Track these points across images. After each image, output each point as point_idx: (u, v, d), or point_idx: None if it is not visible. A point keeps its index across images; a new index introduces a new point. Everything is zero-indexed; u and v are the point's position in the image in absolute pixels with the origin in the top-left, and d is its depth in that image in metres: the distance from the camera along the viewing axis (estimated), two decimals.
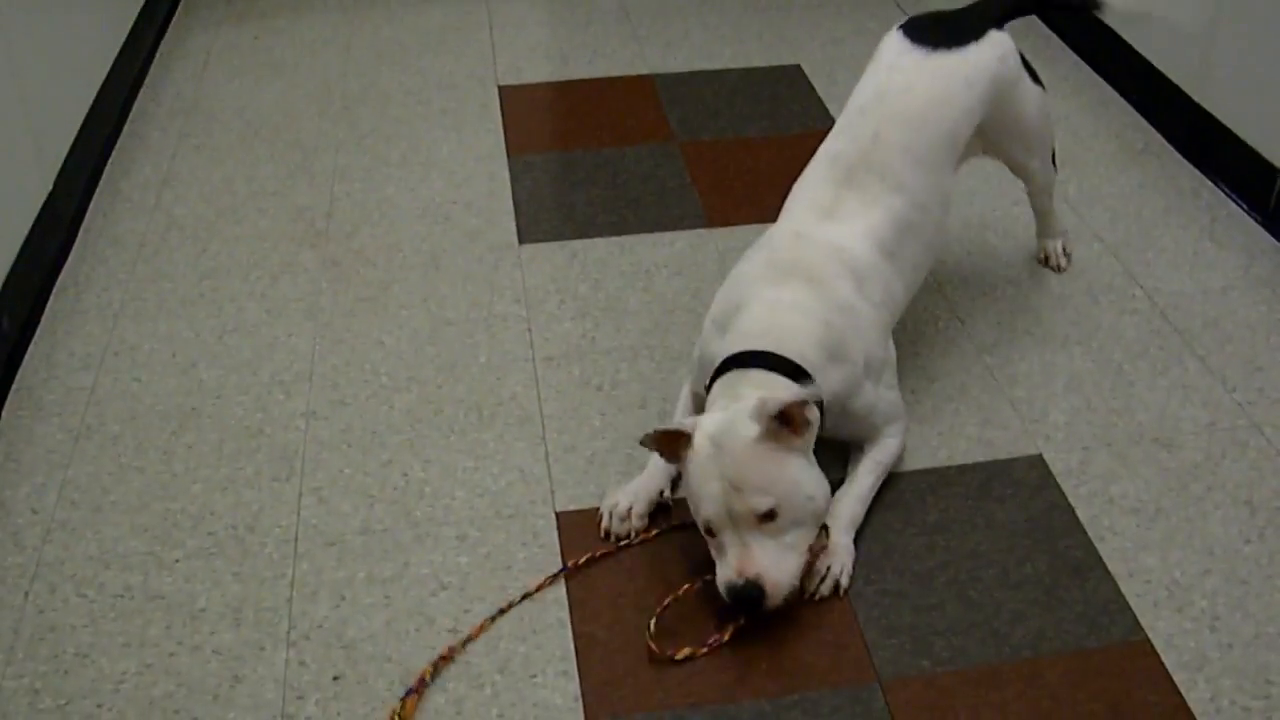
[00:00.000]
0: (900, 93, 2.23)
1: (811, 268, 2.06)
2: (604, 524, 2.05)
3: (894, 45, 2.32)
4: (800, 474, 1.87)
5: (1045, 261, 2.66)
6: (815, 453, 1.93)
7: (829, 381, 1.98)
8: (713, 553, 1.89)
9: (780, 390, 1.90)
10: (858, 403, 2.07)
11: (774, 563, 1.84)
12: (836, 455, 2.15)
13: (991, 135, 2.38)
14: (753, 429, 1.84)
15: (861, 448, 2.12)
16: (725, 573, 1.85)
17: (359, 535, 2.07)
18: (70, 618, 1.93)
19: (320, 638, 1.89)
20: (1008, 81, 2.34)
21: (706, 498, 1.85)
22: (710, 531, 1.88)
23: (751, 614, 1.86)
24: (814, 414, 1.88)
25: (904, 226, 2.15)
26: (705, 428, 1.88)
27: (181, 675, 1.84)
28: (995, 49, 2.32)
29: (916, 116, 2.21)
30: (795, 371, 1.94)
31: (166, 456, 2.24)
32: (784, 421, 1.85)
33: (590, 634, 1.89)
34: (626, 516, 2.04)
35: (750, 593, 1.83)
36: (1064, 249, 2.65)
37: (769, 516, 1.83)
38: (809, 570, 1.91)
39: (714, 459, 1.85)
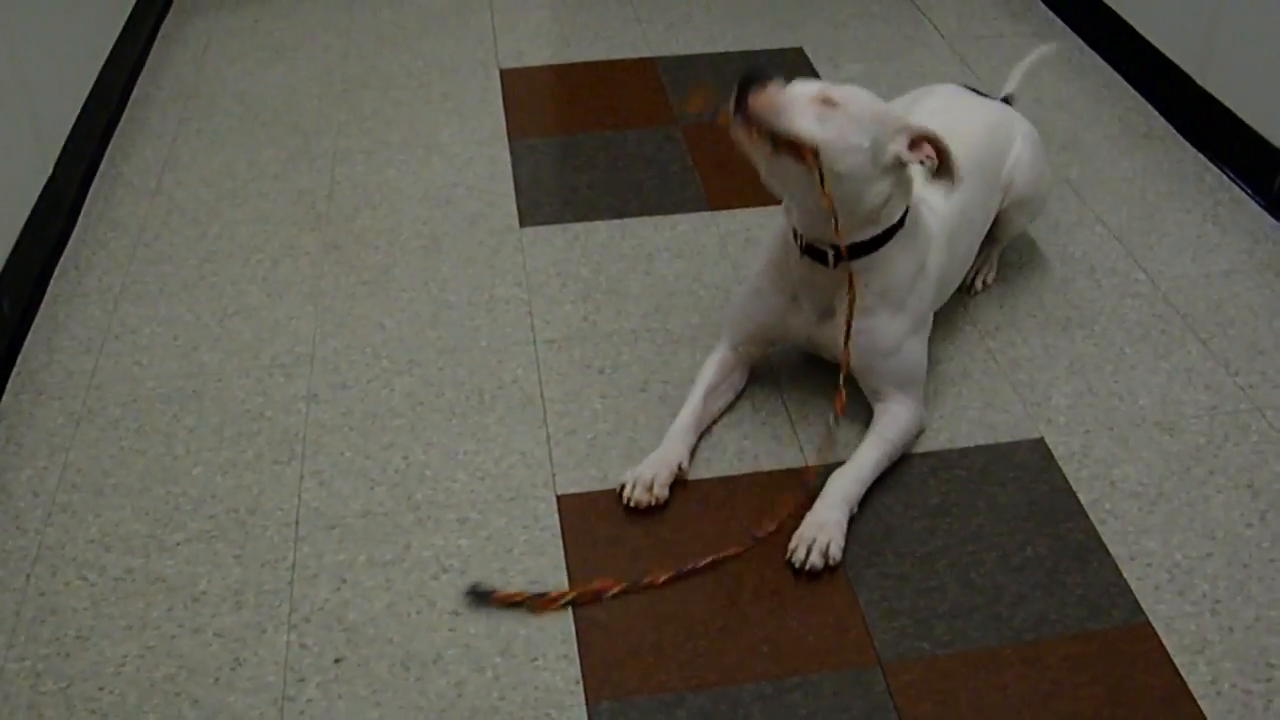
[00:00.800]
0: (965, 110, 2.43)
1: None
2: (627, 492, 2.05)
3: (949, 88, 2.56)
4: (860, 133, 1.95)
5: (970, 280, 2.56)
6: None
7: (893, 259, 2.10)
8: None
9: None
10: (893, 326, 2.10)
11: (794, 96, 1.94)
12: (852, 425, 2.16)
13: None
14: (914, 123, 2.01)
15: (872, 417, 2.14)
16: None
17: (360, 518, 2.07)
18: (72, 600, 1.93)
19: (321, 620, 1.89)
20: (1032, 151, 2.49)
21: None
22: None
23: (751, 80, 1.92)
24: (933, 155, 2.00)
25: (960, 218, 2.26)
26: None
27: (183, 658, 1.84)
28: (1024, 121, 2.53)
29: (978, 131, 2.37)
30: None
31: (167, 439, 2.24)
32: (912, 143, 2.00)
33: (591, 617, 1.89)
34: (650, 486, 2.05)
35: (755, 74, 1.92)
36: (989, 279, 2.58)
37: (829, 101, 1.94)
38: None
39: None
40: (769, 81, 1.92)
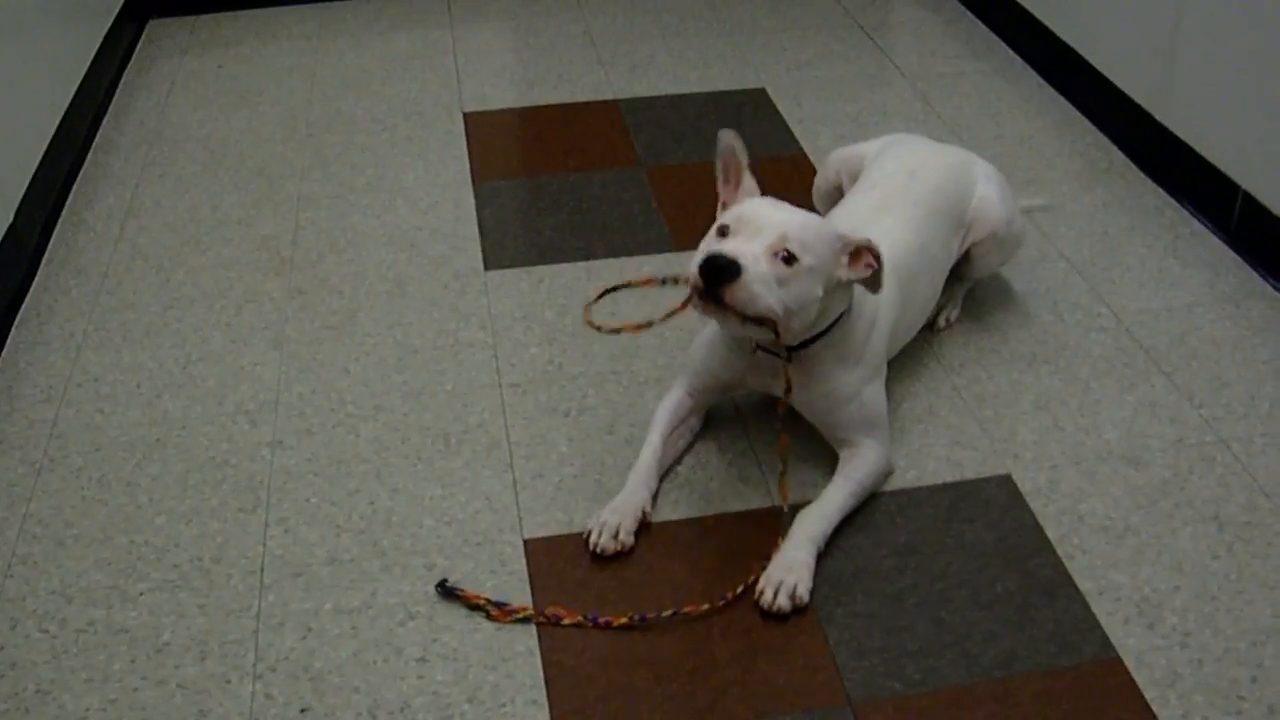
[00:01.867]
0: (927, 153, 2.49)
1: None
2: (593, 540, 2.04)
3: (915, 136, 2.63)
4: (830, 275, 1.99)
5: (934, 318, 2.56)
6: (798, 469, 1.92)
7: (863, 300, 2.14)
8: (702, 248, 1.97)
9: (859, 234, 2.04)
10: (846, 379, 2.11)
11: (763, 273, 1.91)
12: (819, 465, 2.15)
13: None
14: (851, 236, 2.01)
15: (839, 461, 2.14)
16: (711, 248, 1.93)
17: (326, 565, 2.05)
18: (32, 654, 1.90)
19: (287, 669, 1.87)
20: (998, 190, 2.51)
21: (760, 208, 1.98)
22: (725, 231, 1.96)
23: (711, 287, 1.88)
24: (873, 264, 2.01)
25: (919, 258, 2.30)
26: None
27: (146, 711, 1.81)
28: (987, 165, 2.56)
29: (940, 171, 2.43)
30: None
31: (130, 488, 2.22)
32: (852, 256, 2.01)
33: (560, 662, 1.87)
34: (616, 534, 2.04)
35: (722, 262, 1.88)
36: (954, 316, 2.59)
37: (787, 257, 1.92)
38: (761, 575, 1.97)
39: (790, 207, 2.00)
40: (735, 275, 1.88)
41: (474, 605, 1.96)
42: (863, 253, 2.01)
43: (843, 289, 2.05)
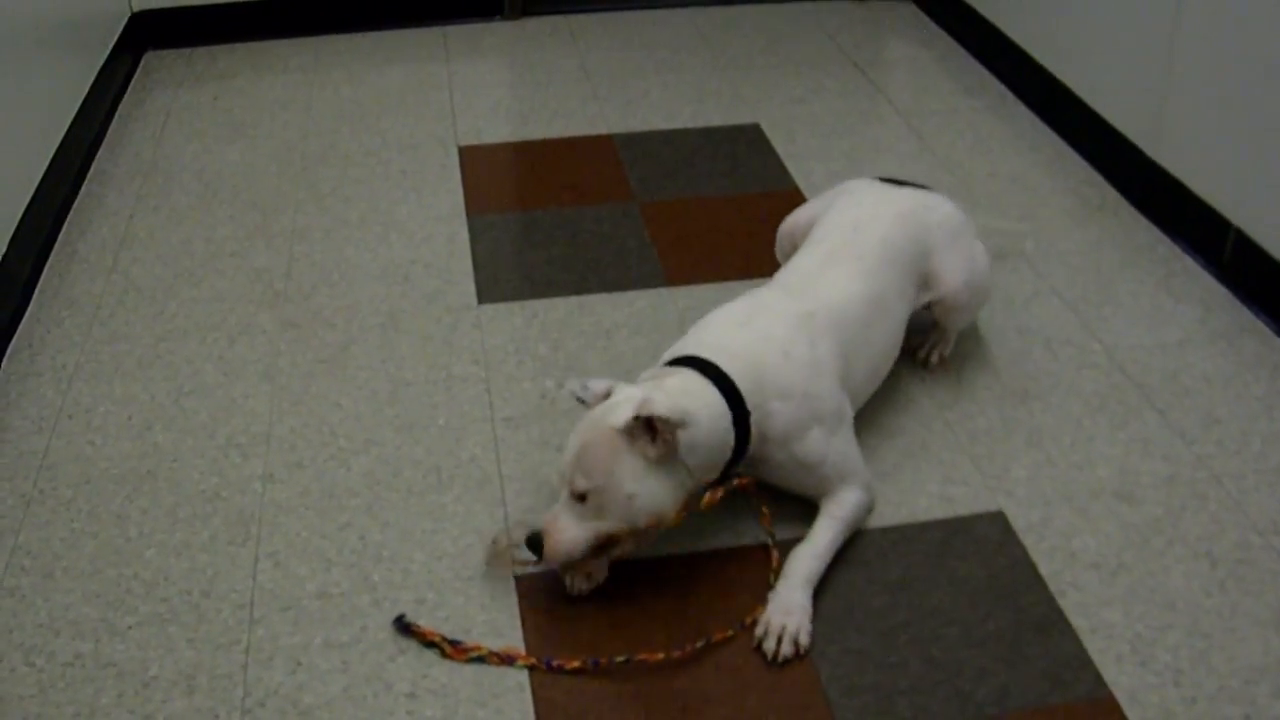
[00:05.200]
0: (877, 201, 2.44)
1: (780, 313, 2.18)
2: (568, 584, 2.04)
3: (863, 182, 2.56)
4: (630, 476, 1.93)
5: (926, 354, 2.57)
6: (781, 505, 1.91)
7: (771, 414, 2.06)
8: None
9: (668, 398, 1.95)
10: (807, 447, 2.08)
11: (562, 530, 1.94)
12: (799, 512, 2.15)
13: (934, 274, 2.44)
14: (621, 418, 1.93)
15: (821, 505, 2.12)
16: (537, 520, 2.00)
17: (316, 599, 2.04)
18: (18, 688, 1.89)
19: (276, 705, 1.86)
20: (958, 227, 2.48)
21: (565, 451, 1.99)
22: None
23: (535, 549, 1.96)
24: (676, 438, 1.94)
25: (873, 307, 2.27)
26: (611, 397, 2.02)
27: None
28: (949, 202, 2.51)
29: (887, 221, 2.38)
30: (730, 390, 2.03)
31: (120, 521, 2.21)
32: (650, 428, 1.92)
33: (551, 699, 1.86)
34: (589, 574, 2.04)
35: (533, 542, 1.96)
36: (945, 353, 2.58)
37: (580, 496, 1.94)
38: (760, 623, 1.96)
39: (581, 425, 1.99)
40: (542, 535, 1.95)
41: (429, 642, 1.95)
42: (646, 423, 1.92)
43: (676, 469, 1.97)
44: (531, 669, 1.91)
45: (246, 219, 3.16)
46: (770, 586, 2.01)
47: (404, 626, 1.97)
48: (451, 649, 1.93)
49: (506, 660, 1.92)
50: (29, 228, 2.91)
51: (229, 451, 2.37)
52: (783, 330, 2.14)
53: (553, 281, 2.87)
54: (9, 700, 1.87)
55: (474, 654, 1.93)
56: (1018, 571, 2.07)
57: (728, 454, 2.03)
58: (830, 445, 2.11)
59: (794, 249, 2.47)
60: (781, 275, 2.35)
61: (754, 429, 2.05)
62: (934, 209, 2.46)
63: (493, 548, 2.08)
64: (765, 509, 2.14)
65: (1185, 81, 2.92)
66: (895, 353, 2.39)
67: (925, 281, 2.41)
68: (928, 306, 2.45)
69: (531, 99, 3.81)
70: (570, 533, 1.94)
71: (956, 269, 2.42)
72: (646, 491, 1.95)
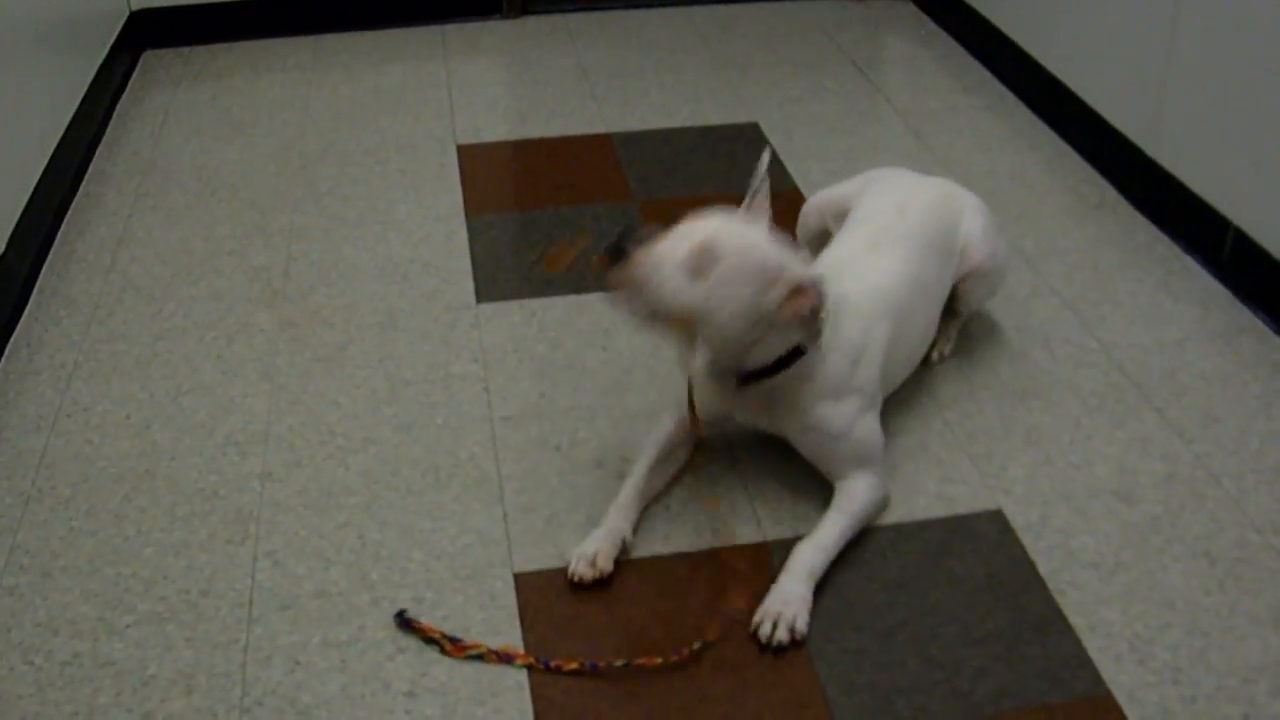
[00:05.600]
0: (913, 185, 2.50)
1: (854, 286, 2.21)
2: (572, 568, 2.04)
3: (895, 170, 2.62)
4: (746, 305, 1.96)
5: (926, 352, 2.53)
6: (781, 501, 1.91)
7: (825, 359, 2.10)
8: None
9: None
10: (838, 412, 2.10)
11: (665, 260, 1.92)
12: (801, 510, 2.15)
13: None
14: (781, 257, 1.98)
15: (833, 493, 2.14)
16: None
17: (314, 598, 2.04)
18: (17, 687, 1.89)
19: (274, 704, 1.86)
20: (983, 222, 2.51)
21: (711, 221, 1.98)
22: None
23: (615, 253, 1.91)
24: (809, 306, 1.96)
25: (913, 291, 2.29)
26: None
27: None
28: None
29: (928, 203, 2.42)
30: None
31: (119, 520, 2.21)
32: (792, 292, 1.96)
33: (549, 697, 1.86)
34: (593, 561, 2.04)
35: (617, 252, 1.91)
36: (947, 351, 2.58)
37: (698, 270, 1.92)
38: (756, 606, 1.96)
39: (735, 221, 2.00)
40: (636, 248, 1.90)
41: (429, 639, 1.95)
42: (804, 291, 1.97)
43: (777, 326, 2.01)
44: (530, 669, 1.91)
45: (245, 218, 3.15)
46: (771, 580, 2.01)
47: (405, 622, 1.97)
48: (451, 646, 1.93)
49: (505, 659, 1.92)
50: (27, 226, 2.90)
51: (227, 450, 2.37)
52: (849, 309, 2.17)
53: (551, 281, 2.87)
54: (7, 699, 1.87)
55: (473, 652, 1.93)
56: (1016, 570, 2.07)
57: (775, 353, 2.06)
58: (857, 423, 2.13)
59: (822, 225, 2.54)
60: (825, 258, 2.36)
61: (803, 366, 2.07)
62: (966, 194, 2.53)
63: (567, 242, 2.04)
64: (714, 497, 2.19)
65: (1184, 80, 2.92)
66: (931, 337, 2.43)
67: (959, 260, 2.45)
68: (952, 289, 2.47)
69: (530, 98, 3.81)
70: (669, 272, 1.92)
71: (985, 240, 2.46)
72: (755, 327, 1.98)
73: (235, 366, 2.60)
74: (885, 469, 2.20)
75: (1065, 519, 2.17)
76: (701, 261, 1.93)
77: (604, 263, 1.92)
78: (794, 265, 2.00)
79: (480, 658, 1.92)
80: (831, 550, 2.06)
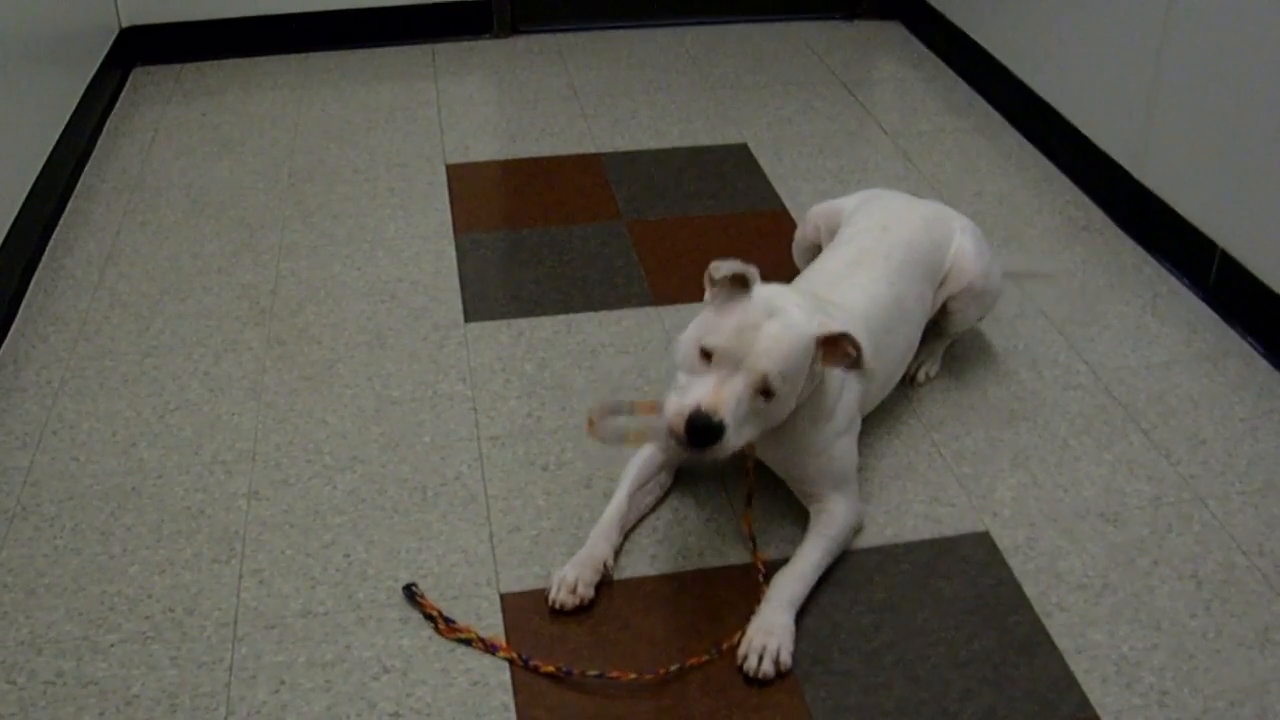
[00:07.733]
0: (904, 207, 2.50)
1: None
2: (552, 595, 2.04)
3: (891, 191, 2.64)
4: (790, 396, 1.95)
5: (913, 373, 2.58)
6: (769, 526, 1.90)
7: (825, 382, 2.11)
8: (675, 387, 1.92)
9: (837, 323, 1.99)
10: (818, 435, 2.11)
11: (738, 420, 1.88)
12: (787, 534, 2.15)
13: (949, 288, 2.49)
14: (814, 327, 1.94)
15: (809, 519, 2.13)
16: (690, 398, 1.87)
17: (300, 618, 2.03)
18: None
19: None
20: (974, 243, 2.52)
21: (730, 332, 1.89)
22: (704, 354, 1.89)
23: (699, 446, 1.85)
24: (853, 351, 1.97)
25: (893, 312, 2.29)
26: (771, 290, 1.97)
27: None
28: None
29: (914, 225, 2.43)
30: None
31: (104, 538, 2.20)
32: (828, 345, 1.97)
33: (535, 718, 1.85)
34: (574, 588, 2.03)
35: (706, 423, 1.84)
36: (933, 372, 2.60)
37: (766, 392, 1.90)
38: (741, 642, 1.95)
39: (766, 313, 1.91)
40: (717, 438, 1.85)
41: (428, 614, 2.02)
42: (840, 341, 1.98)
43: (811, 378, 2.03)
44: (511, 662, 1.93)
45: (233, 235, 3.15)
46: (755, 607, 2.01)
47: (411, 595, 2.04)
48: (445, 626, 1.99)
49: (491, 649, 1.95)
50: (15, 242, 2.90)
51: (214, 468, 2.36)
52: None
53: (539, 300, 2.87)
54: None
55: (462, 635, 1.98)
56: (1003, 592, 2.07)
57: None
58: (835, 444, 2.13)
59: (817, 237, 2.59)
60: (810, 271, 2.38)
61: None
62: (957, 216, 2.54)
63: (602, 416, 1.97)
64: (749, 511, 2.15)
65: (1171, 103, 2.93)
66: (910, 357, 2.43)
67: (944, 283, 2.46)
68: (942, 309, 2.48)
69: (520, 117, 3.81)
70: (744, 424, 1.89)
71: (977, 259, 2.47)
72: (794, 399, 1.98)
73: (223, 384, 2.59)
74: (860, 492, 2.20)
75: (1052, 540, 2.18)
76: (762, 399, 1.91)
77: (692, 451, 1.88)
78: (816, 324, 1.97)
79: (468, 642, 1.96)
80: (811, 577, 2.06)
